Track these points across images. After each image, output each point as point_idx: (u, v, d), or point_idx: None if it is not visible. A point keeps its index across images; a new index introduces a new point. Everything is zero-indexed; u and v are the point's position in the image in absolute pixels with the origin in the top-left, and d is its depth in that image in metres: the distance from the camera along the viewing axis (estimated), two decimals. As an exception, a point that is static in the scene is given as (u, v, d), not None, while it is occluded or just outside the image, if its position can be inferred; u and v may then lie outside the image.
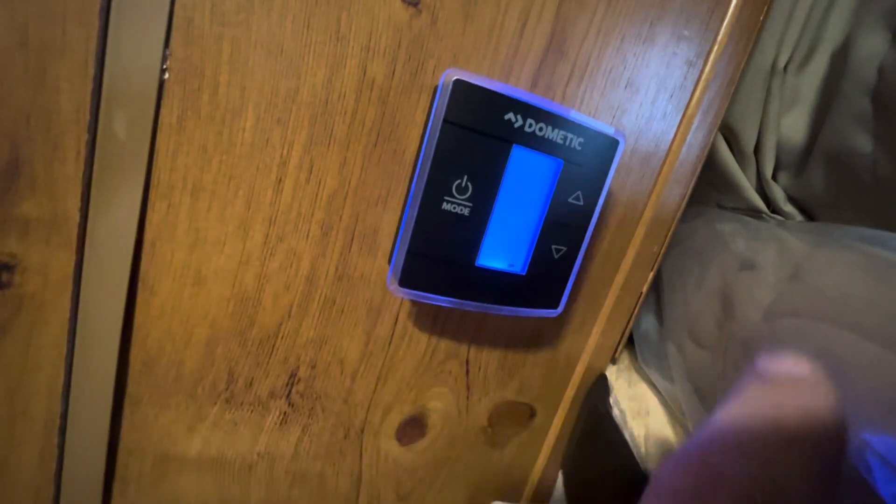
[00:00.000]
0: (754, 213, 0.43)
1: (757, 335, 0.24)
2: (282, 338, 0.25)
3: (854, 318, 0.21)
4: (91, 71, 0.18)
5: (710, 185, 0.45)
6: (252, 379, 0.25)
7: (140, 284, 0.22)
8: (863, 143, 0.33)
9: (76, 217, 0.20)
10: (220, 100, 0.20)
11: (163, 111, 0.20)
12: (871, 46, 0.31)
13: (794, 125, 0.39)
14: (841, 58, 0.34)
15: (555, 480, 0.36)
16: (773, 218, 0.42)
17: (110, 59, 0.18)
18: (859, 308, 0.21)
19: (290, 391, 0.26)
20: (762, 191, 0.42)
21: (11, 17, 0.17)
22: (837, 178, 0.36)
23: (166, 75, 0.19)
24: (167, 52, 0.19)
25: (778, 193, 0.41)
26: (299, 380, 0.26)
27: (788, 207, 0.42)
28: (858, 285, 0.22)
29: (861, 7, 0.33)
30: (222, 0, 0.19)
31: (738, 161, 0.42)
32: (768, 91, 0.38)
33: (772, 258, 0.28)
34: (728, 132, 0.41)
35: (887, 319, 0.20)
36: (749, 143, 0.40)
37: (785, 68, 0.37)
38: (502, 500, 0.36)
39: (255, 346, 0.24)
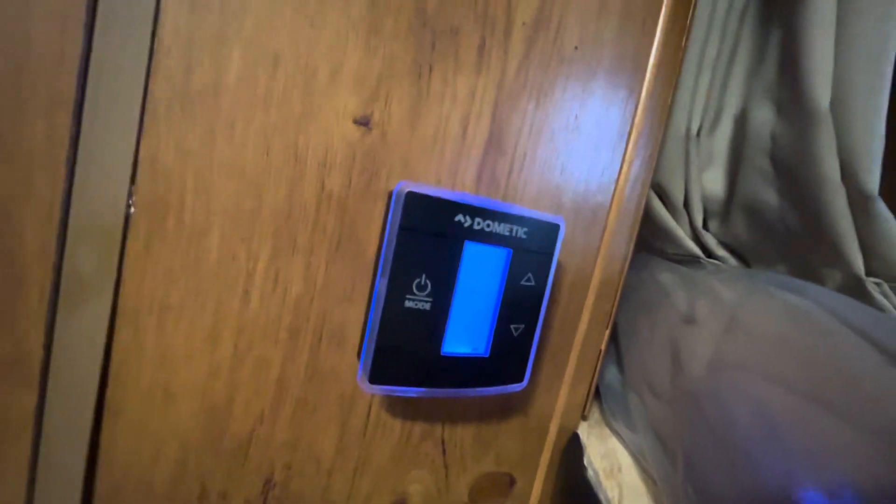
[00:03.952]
0: (694, 258, 0.47)
1: (702, 387, 0.26)
2: (255, 444, 0.25)
3: (780, 370, 0.23)
4: (57, 214, 0.19)
5: (654, 236, 0.49)
6: (226, 492, 0.25)
7: (106, 410, 0.21)
8: (770, 197, 0.37)
9: (39, 353, 0.20)
10: (186, 224, 0.21)
11: (129, 241, 0.21)
12: (762, 116, 0.36)
13: (714, 180, 0.44)
14: (742, 123, 0.40)
15: (542, 546, 0.36)
16: (711, 262, 0.46)
17: (76, 201, 0.19)
18: (783, 359, 0.24)
19: (265, 498, 0.26)
20: (697, 239, 0.47)
21: (-23, 173, 0.18)
22: (755, 227, 0.40)
23: (132, 209, 0.20)
24: (133, 188, 0.20)
25: (710, 240, 0.46)
26: (275, 485, 0.26)
27: (721, 252, 0.46)
28: (780, 336, 0.25)
29: (749, 81, 0.39)
30: (185, 134, 0.21)
31: (672, 215, 0.46)
32: (687, 153, 0.43)
33: (708, 311, 0.31)
34: (660, 191, 0.45)
35: (806, 369, 0.22)
36: (678, 199, 0.44)
37: (697, 134, 0.42)
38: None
39: (228, 457, 0.24)
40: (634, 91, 0.32)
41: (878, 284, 0.33)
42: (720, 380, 0.25)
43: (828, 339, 0.23)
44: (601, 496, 0.29)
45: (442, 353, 0.24)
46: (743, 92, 0.39)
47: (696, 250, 0.46)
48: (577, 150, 0.30)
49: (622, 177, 0.33)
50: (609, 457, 0.32)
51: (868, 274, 0.33)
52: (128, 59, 0.19)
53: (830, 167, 0.30)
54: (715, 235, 0.46)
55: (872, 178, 0.29)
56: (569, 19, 0.28)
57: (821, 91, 0.30)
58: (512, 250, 0.25)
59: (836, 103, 0.30)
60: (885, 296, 0.33)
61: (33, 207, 0.19)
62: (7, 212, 0.19)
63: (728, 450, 0.23)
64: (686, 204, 0.45)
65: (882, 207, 0.30)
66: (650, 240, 0.49)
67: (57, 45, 0.18)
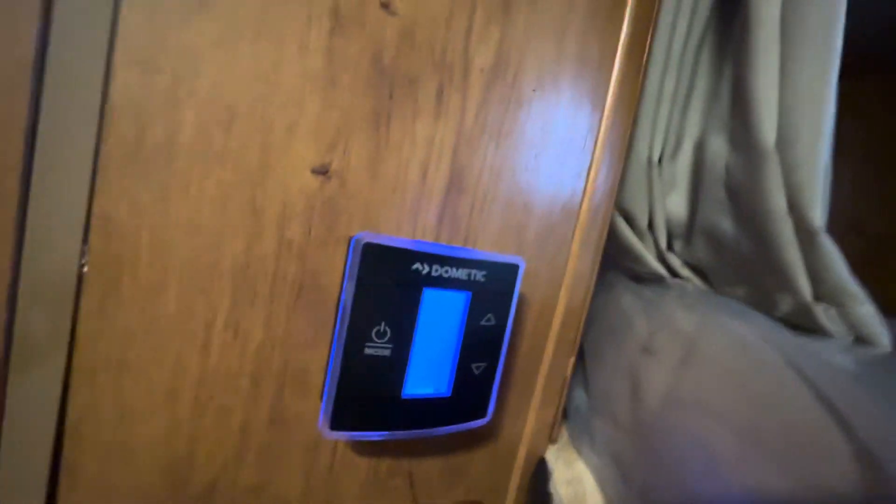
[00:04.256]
0: (659, 277, 0.48)
1: (657, 423, 0.27)
2: (219, 492, 0.25)
3: (725, 409, 0.24)
4: (6, 278, 0.19)
5: (622, 256, 0.50)
6: (189, 540, 0.25)
7: (63, 469, 0.21)
8: (726, 224, 0.39)
9: (-9, 416, 0.20)
10: (142, 281, 0.21)
11: (83, 301, 0.21)
12: (718, 147, 0.38)
13: (677, 203, 0.45)
14: (700, 151, 0.41)
15: (513, 568, 0.37)
16: (676, 281, 0.48)
17: (27, 263, 0.19)
18: (729, 397, 0.25)
19: (230, 543, 0.26)
20: (663, 259, 0.48)
21: (-79, 243, 0.18)
22: (715, 251, 0.42)
23: (85, 269, 0.20)
24: (85, 248, 0.20)
25: (675, 261, 0.47)
26: (240, 530, 0.26)
27: (685, 272, 0.47)
28: (729, 373, 0.26)
29: (707, 112, 0.40)
30: (139, 193, 0.21)
31: (638, 237, 0.47)
32: (650, 179, 0.44)
33: (665, 342, 0.32)
34: (626, 214, 0.46)
35: (749, 409, 0.24)
36: (642, 222, 0.46)
37: (659, 161, 0.44)
38: None
39: (191, 506, 0.24)
40: (593, 128, 0.33)
41: (825, 310, 0.34)
42: (673, 417, 0.26)
43: (771, 378, 0.24)
44: (565, 525, 0.30)
45: (403, 396, 0.25)
46: (701, 122, 0.41)
47: (662, 270, 0.47)
48: (538, 186, 0.31)
49: (584, 209, 0.34)
50: (574, 483, 0.33)
51: (816, 300, 0.34)
52: (78, 121, 0.19)
53: (777, 201, 0.32)
54: (679, 256, 0.47)
55: (817, 214, 0.31)
56: (526, 64, 0.29)
57: (767, 130, 0.31)
58: (471, 293, 0.26)
59: (781, 142, 0.31)
60: (832, 321, 0.34)
61: (-19, 273, 0.19)
62: (-46, 278, 0.18)
63: (678, 485, 0.24)
64: (651, 226, 0.46)
65: (826, 240, 0.31)
66: (619, 259, 0.51)
67: (3, 110, 0.18)
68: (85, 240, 0.20)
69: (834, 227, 0.33)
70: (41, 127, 0.19)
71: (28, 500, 0.21)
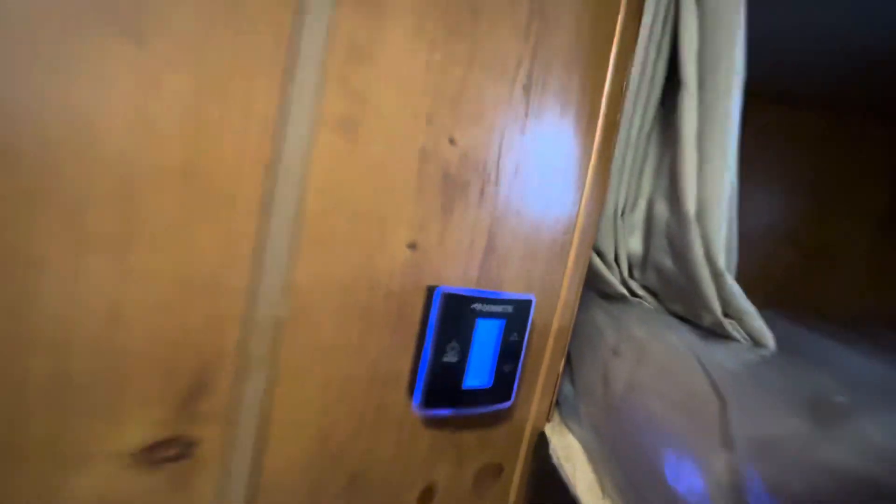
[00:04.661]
0: (623, 297, 0.64)
1: (620, 402, 0.42)
2: (345, 454, 0.38)
3: (663, 390, 0.39)
4: (241, 320, 0.32)
5: (596, 281, 0.66)
6: (327, 484, 0.38)
7: (267, 439, 0.34)
8: (668, 263, 0.55)
9: (230, 404, 0.32)
10: (314, 320, 0.35)
11: (284, 334, 0.34)
12: (661, 209, 0.54)
13: (634, 244, 0.61)
14: (650, 210, 0.57)
15: (522, 514, 0.51)
16: (635, 300, 0.63)
17: (253, 311, 0.32)
18: (666, 382, 0.40)
19: (352, 486, 0.39)
20: (625, 284, 0.64)
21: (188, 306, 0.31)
22: (661, 280, 0.58)
23: (286, 314, 0.33)
24: (285, 301, 0.33)
25: (634, 285, 0.63)
26: (356, 478, 0.39)
27: (642, 293, 0.63)
28: (666, 366, 0.42)
29: (654, 182, 0.56)
30: (315, 263, 0.34)
31: (607, 268, 0.63)
32: (615, 227, 0.60)
33: (626, 347, 0.47)
34: (599, 251, 0.62)
35: (676, 388, 0.39)
36: (611, 257, 0.61)
37: (622, 213, 0.59)
38: (488, 536, 0.50)
39: (330, 462, 0.37)
40: (577, 200, 0.48)
41: (731, 323, 0.50)
42: (631, 398, 0.41)
43: (688, 370, 0.39)
44: (562, 474, 0.44)
45: (463, 388, 0.39)
46: (650, 189, 0.57)
47: (624, 292, 0.63)
48: (541, 243, 0.46)
49: (571, 256, 0.49)
50: (566, 448, 0.48)
51: (725, 316, 0.51)
52: (283, 222, 0.33)
53: (698, 252, 0.48)
54: (637, 281, 0.63)
55: (722, 261, 0.47)
56: (533, 166, 0.44)
57: (690, 205, 0.47)
58: (504, 320, 0.40)
59: (699, 214, 0.47)
60: (737, 330, 0.51)
61: (229, 319, 0.32)
62: (219, 326, 0.31)
63: (635, 441, 0.39)
64: (616, 260, 0.62)
65: (729, 279, 0.47)
66: (594, 283, 0.66)
67: (236, 220, 0.32)
68: (285, 296, 0.33)
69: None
70: (260, 242, 0.32)
71: (244, 459, 0.34)
